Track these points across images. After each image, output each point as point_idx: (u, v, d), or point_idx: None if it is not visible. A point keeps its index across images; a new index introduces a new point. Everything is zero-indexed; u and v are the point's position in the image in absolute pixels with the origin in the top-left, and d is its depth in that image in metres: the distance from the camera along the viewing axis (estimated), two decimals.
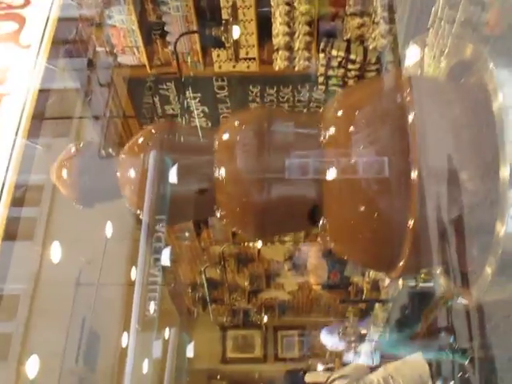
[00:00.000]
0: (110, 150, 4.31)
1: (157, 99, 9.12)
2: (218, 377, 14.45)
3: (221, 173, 2.26)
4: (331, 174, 2.07)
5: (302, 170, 2.08)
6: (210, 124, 9.47)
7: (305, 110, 9.26)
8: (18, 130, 2.91)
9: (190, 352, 11.47)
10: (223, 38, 6.04)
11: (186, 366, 11.81)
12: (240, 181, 2.27)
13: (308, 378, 8.01)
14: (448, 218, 2.01)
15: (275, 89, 8.95)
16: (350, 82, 7.78)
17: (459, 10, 3.81)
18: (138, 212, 2.36)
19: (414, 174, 1.91)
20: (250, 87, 8.91)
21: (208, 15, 7.69)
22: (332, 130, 2.16)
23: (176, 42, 6.69)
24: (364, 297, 9.28)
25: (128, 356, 7.37)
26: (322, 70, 7.73)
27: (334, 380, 6.31)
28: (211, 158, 2.29)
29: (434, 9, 4.48)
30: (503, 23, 3.62)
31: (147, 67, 8.39)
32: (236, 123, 2.44)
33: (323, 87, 7.98)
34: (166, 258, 7.35)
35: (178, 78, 8.38)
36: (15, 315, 6.52)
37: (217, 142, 2.36)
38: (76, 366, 8.74)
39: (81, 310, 8.49)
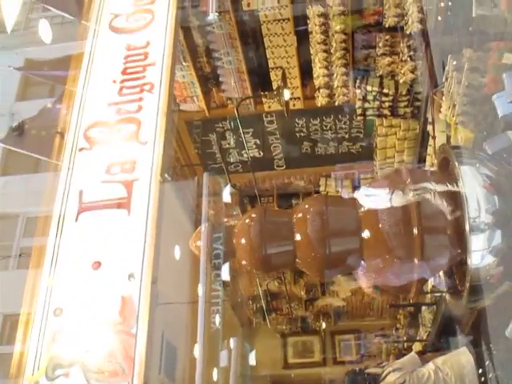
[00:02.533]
0: (166, 175, 5.44)
1: (214, 136, 10.29)
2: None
3: (298, 238, 3.56)
4: (366, 235, 3.35)
5: (347, 234, 3.39)
6: (262, 154, 10.57)
7: (346, 136, 10.25)
8: (148, 205, 4.14)
9: (252, 360, 12.20)
10: (276, 100, 7.17)
11: (250, 373, 12.56)
12: (310, 243, 3.61)
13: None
14: (440, 260, 3.25)
15: (318, 120, 10.01)
16: (385, 111, 8.74)
17: (463, 76, 4.86)
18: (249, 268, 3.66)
19: (416, 234, 3.14)
20: (296, 120, 9.99)
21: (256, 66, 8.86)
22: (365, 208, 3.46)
23: (238, 106, 7.86)
24: (411, 301, 10.04)
25: (197, 365, 8.35)
26: (359, 103, 8.71)
27: (389, 372, 7.06)
28: (292, 230, 3.57)
29: (446, 68, 5.53)
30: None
31: (206, 111, 9.62)
32: (306, 206, 3.75)
33: (361, 117, 8.97)
34: (225, 274, 8.30)
35: (232, 118, 9.52)
36: None
37: (295, 220, 3.71)
38: (159, 376, 9.73)
39: (160, 326, 9.51)
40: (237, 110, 8.14)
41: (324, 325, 14.47)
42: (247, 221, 3.81)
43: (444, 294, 4.46)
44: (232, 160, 10.79)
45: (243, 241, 3.69)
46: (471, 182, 3.17)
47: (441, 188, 3.58)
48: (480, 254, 3.08)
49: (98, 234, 4.20)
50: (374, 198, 7.70)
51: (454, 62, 5.20)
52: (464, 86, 4.91)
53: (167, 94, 4.73)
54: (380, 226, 3.35)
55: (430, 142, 6.91)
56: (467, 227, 3.11)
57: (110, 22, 5.45)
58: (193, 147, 10.63)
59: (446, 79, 5.55)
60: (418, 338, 10.19)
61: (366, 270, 3.49)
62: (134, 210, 4.20)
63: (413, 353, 8.96)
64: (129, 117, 4.68)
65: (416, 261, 3.20)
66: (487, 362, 6.67)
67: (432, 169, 4.73)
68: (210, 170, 10.31)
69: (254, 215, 3.83)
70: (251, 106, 9.53)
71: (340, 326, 14.98)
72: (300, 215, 3.65)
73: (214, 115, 9.79)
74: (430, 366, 6.84)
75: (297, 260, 3.65)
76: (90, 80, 5.09)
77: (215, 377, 10.27)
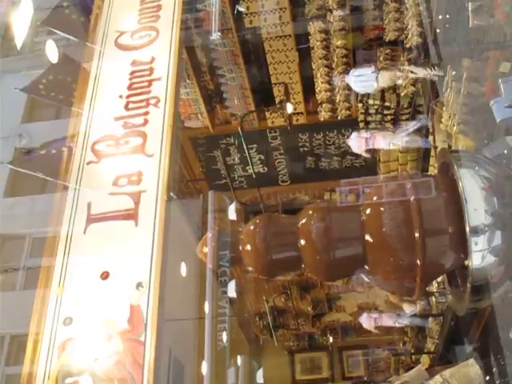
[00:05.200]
0: (172, 194, 5.52)
1: (218, 152, 10.37)
2: None
3: (303, 244, 3.69)
4: (369, 239, 3.42)
5: (351, 238, 3.47)
6: (266, 169, 10.64)
7: (350, 150, 10.28)
8: (155, 216, 4.23)
9: (260, 378, 12.15)
10: (279, 113, 7.29)
11: None
12: (315, 248, 3.69)
13: None
14: (442, 261, 3.33)
15: (322, 134, 10.08)
16: (387, 124, 8.80)
17: (462, 85, 4.96)
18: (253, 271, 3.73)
19: (417, 235, 3.21)
20: (300, 135, 10.07)
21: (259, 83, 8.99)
22: (369, 212, 3.56)
23: (242, 120, 7.96)
24: (418, 312, 10.04)
25: (204, 383, 8.33)
26: (361, 117, 8.78)
27: None
28: (297, 235, 3.67)
29: (445, 79, 5.62)
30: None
31: (210, 128, 9.73)
32: (310, 212, 3.85)
33: (364, 131, 9.02)
34: (232, 291, 8.32)
35: (236, 134, 9.62)
36: None
37: (299, 225, 3.81)
38: None
39: (167, 343, 9.49)
40: (241, 125, 8.24)
41: (331, 340, 14.40)
42: (252, 227, 3.88)
43: (448, 301, 4.52)
44: (236, 176, 10.87)
45: (249, 247, 3.76)
46: (470, 185, 3.24)
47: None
48: (480, 254, 3.15)
49: (106, 245, 4.28)
50: (362, 78, 7.86)
51: (453, 73, 5.30)
52: (463, 95, 5.00)
53: (173, 108, 4.85)
54: (383, 229, 3.43)
55: (432, 152, 6.98)
56: (467, 228, 3.18)
57: (115, 40, 5.59)
58: (198, 164, 10.70)
59: (447, 90, 5.64)
60: (425, 350, 10.15)
61: (370, 272, 3.55)
62: (141, 220, 4.29)
63: (420, 366, 8.95)
64: (135, 130, 4.79)
65: (419, 262, 3.26)
66: (495, 371, 6.67)
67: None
68: (215, 186, 10.40)
69: (259, 221, 3.90)
70: (255, 121, 9.64)
71: (347, 342, 14.91)
72: (304, 221, 3.74)
73: (218, 131, 9.90)
74: (438, 378, 6.85)
75: (302, 265, 3.73)
76: (97, 96, 5.21)
77: None
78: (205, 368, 8.36)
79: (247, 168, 10.43)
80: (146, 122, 4.80)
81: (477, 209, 3.16)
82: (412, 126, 8.12)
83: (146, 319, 3.83)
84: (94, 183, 4.62)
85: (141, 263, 4.08)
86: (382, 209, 3.50)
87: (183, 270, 8.87)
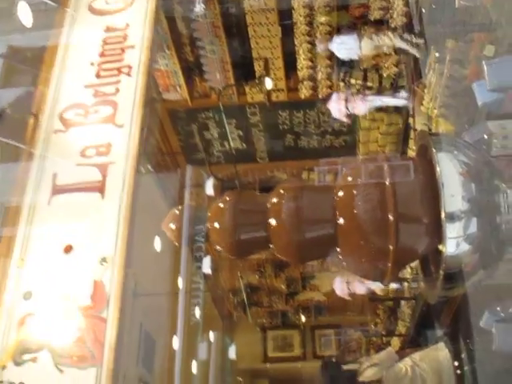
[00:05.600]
0: (149, 167, 5.27)
1: (196, 126, 10.20)
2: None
3: (272, 224, 3.53)
4: (341, 221, 3.31)
5: (323, 220, 3.34)
6: (244, 145, 10.51)
7: (330, 130, 10.22)
8: (122, 189, 4.06)
9: (232, 353, 12.16)
10: (258, 89, 7.12)
11: (230, 366, 12.51)
12: (284, 229, 3.52)
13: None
14: (415, 247, 3.22)
15: (302, 112, 9.95)
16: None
17: (445, 67, 4.84)
18: (220, 250, 3.60)
19: (391, 218, 3.11)
20: (280, 112, 9.92)
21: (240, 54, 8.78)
22: (342, 193, 3.49)
23: (220, 94, 7.77)
24: (391, 295, 10.06)
25: (176, 358, 8.26)
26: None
27: (366, 368, 7.05)
28: (267, 214, 3.54)
29: (428, 60, 5.50)
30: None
31: (188, 101, 9.53)
32: (281, 192, 3.73)
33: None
34: (207, 267, 8.24)
35: (215, 108, 9.46)
36: None
37: (269, 204, 3.64)
38: (137, 367, 9.62)
39: (138, 318, 9.38)
40: (219, 99, 8.06)
41: (304, 319, 14.45)
42: (221, 204, 3.71)
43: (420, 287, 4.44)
44: (214, 151, 10.73)
45: (216, 224, 3.60)
46: (448, 169, 3.12)
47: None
48: (455, 241, 3.05)
49: (71, 218, 4.12)
50: (345, 46, 7.80)
51: (437, 54, 5.18)
52: (446, 77, 4.89)
53: (146, 77, 4.66)
54: (355, 211, 3.29)
55: (412, 135, 6.89)
56: (443, 214, 3.08)
57: (89, 4, 5.36)
58: (175, 137, 10.52)
59: (429, 72, 5.52)
60: (396, 332, 10.20)
61: (341, 256, 3.43)
62: (108, 193, 4.13)
63: (390, 348, 8.98)
64: (106, 99, 4.59)
65: (391, 247, 3.16)
66: (464, 356, 6.71)
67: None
68: (192, 160, 10.25)
69: (228, 198, 3.72)
70: (234, 96, 9.44)
71: (320, 321, 14.97)
72: (275, 200, 3.57)
73: (197, 105, 9.69)
74: (407, 361, 6.88)
75: (270, 245, 3.58)
76: (68, 62, 4.99)
77: (194, 369, 10.26)
78: (176, 343, 8.32)
79: (225, 143, 10.30)
80: (117, 91, 4.60)
81: (454, 194, 3.04)
82: (391, 95, 8.05)
83: (108, 296, 3.70)
84: (60, 153, 4.44)
85: (106, 237, 3.93)
86: (355, 191, 3.35)
87: (157, 244, 8.78)
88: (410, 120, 6.81)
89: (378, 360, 7.24)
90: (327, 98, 8.92)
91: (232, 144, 10.27)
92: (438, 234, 3.11)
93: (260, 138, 10.49)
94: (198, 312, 9.16)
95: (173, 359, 8.54)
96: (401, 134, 8.79)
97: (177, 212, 3.75)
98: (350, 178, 3.41)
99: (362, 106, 8.22)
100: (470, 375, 6.47)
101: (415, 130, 6.32)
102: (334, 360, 9.04)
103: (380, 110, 8.66)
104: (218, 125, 10.02)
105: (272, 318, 14.87)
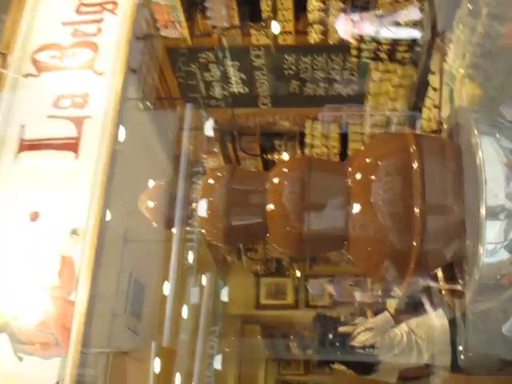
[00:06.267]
0: (149, 104, 4.74)
1: (196, 67, 9.56)
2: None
3: (271, 208, 2.92)
4: (355, 210, 2.72)
5: (332, 207, 2.75)
6: (246, 90, 9.91)
7: (338, 78, 9.59)
8: (99, 149, 3.48)
9: (224, 296, 11.97)
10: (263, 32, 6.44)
11: (221, 311, 12.35)
12: (285, 216, 2.92)
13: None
14: (443, 248, 2.66)
15: (310, 58, 9.27)
16: (382, 55, 8.05)
17: (480, 23, 4.19)
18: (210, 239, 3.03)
19: (417, 213, 2.53)
20: (286, 56, 9.25)
21: None
22: (357, 176, 2.81)
23: (223, 35, 7.11)
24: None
25: (167, 303, 7.98)
26: (354, 43, 7.99)
27: (360, 331, 6.75)
28: (265, 197, 2.93)
29: (458, 12, 4.83)
30: None
31: (188, 39, 8.81)
32: (284, 170, 3.10)
33: (356, 59, 8.27)
34: (202, 210, 7.89)
35: (217, 48, 8.79)
36: None
37: (269, 185, 3.00)
38: (124, 315, 9.38)
39: (128, 264, 9.08)
40: (219, 40, 7.39)
41: (298, 268, 14.24)
42: (211, 181, 3.11)
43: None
44: (215, 94, 10.15)
45: (204, 205, 3.03)
46: (491, 158, 2.49)
47: None
48: (493, 246, 2.49)
49: (39, 179, 3.56)
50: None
51: (470, 6, 4.50)
52: (479, 34, 4.24)
53: (132, 17, 3.99)
54: (372, 200, 2.68)
55: (430, 93, 6.26)
56: (483, 212, 2.47)
57: None
58: (173, 77, 9.88)
59: (458, 26, 4.86)
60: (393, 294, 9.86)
61: (350, 252, 2.89)
62: (82, 152, 3.56)
63: (386, 312, 8.65)
64: (86, 40, 3.95)
65: (414, 248, 2.60)
66: (461, 325, 6.42)
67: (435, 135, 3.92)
68: (190, 101, 9.72)
69: (219, 174, 3.12)
70: (238, 37, 8.71)
71: (315, 271, 14.71)
72: (276, 180, 2.94)
73: (197, 44, 8.97)
74: (403, 327, 6.51)
75: (267, 235, 2.99)
76: None
77: (185, 314, 10.12)
78: (168, 288, 8.09)
79: (226, 86, 9.70)
80: (99, 31, 3.95)
81: (496, 191, 2.45)
82: (403, 15, 7.36)
83: (77, 275, 3.19)
84: (30, 101, 3.83)
85: (77, 205, 3.39)
86: (373, 176, 2.75)
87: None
88: (430, 77, 6.17)
89: (373, 324, 6.95)
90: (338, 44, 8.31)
91: (234, 87, 9.68)
92: (473, 236, 2.54)
93: (263, 83, 9.87)
94: (191, 256, 8.84)
95: (164, 304, 8.30)
96: (414, 88, 8.18)
97: (156, 185, 3.17)
98: (367, 159, 2.81)
99: (370, 27, 7.54)
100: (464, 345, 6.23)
101: (435, 89, 5.69)
102: (327, 314, 8.66)
103: (394, 60, 8.03)
104: (220, 66, 9.37)
105: (266, 265, 14.64)
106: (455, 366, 5.55)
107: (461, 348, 5.96)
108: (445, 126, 3.35)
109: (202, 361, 10.22)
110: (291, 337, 13.29)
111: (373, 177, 2.77)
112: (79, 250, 3.26)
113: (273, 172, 3.12)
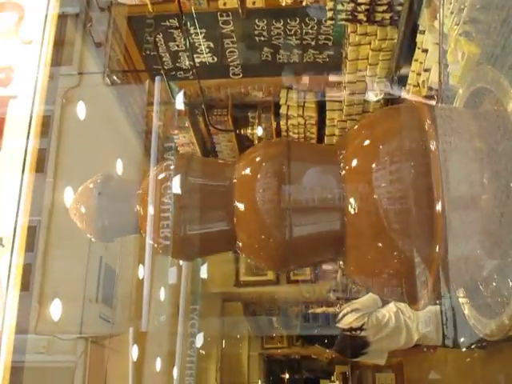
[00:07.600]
0: (115, 78, 4.12)
1: (160, 36, 8.94)
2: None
3: (240, 210, 2.22)
4: (351, 209, 2.04)
5: (323, 206, 2.06)
6: (216, 59, 9.32)
7: (313, 43, 9.04)
8: (28, 138, 2.81)
9: (203, 273, 11.67)
10: None
11: (201, 290, 12.08)
12: (260, 220, 2.24)
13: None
14: (472, 254, 2.02)
15: (282, 22, 8.70)
16: (360, 16, 7.48)
17: None
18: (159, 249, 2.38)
19: (438, 211, 1.88)
20: (256, 21, 8.65)
21: None
22: (353, 164, 2.11)
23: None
24: None
25: (144, 285, 7.56)
26: (330, 4, 7.41)
27: (347, 313, 6.42)
28: (231, 196, 2.26)
29: None
30: None
31: (149, 6, 8.12)
32: (256, 159, 2.36)
33: (332, 22, 7.71)
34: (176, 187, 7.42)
35: (181, 15, 8.17)
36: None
37: (236, 180, 2.32)
38: (96, 304, 8.94)
39: (98, 252, 8.62)
40: (183, 5, 6.75)
41: None
42: (161, 176, 2.45)
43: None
44: (182, 65, 9.56)
45: (151, 209, 2.35)
46: None
47: None
48: None
49: None
50: None
51: None
52: None
53: None
54: (375, 196, 2.04)
55: (417, 55, 5.69)
56: None
57: None
58: (136, 48, 9.24)
59: None
60: None
61: (346, 263, 2.22)
62: (7, 142, 2.90)
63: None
64: (9, 1, 3.24)
65: (432, 256, 1.97)
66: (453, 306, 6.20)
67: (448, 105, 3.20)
68: (157, 74, 9.13)
69: (172, 166, 2.43)
70: (203, 1, 8.06)
71: None
72: (246, 172, 2.27)
73: (159, 11, 8.31)
74: (391, 307, 6.19)
75: (237, 244, 2.36)
76: None
77: (163, 296, 9.89)
78: (143, 271, 7.75)
79: (194, 56, 9.08)
80: None
81: None
82: None
83: (6, 299, 2.55)
84: None
85: (3, 209, 2.74)
86: (375, 163, 2.08)
87: (119, 168, 8.09)
88: (419, 38, 5.58)
89: (360, 305, 6.78)
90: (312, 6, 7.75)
91: (202, 57, 9.10)
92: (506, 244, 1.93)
93: (233, 51, 9.30)
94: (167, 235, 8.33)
95: (140, 288, 7.93)
96: (395, 50, 7.64)
97: (91, 186, 2.48)
98: (366, 141, 2.13)
99: None
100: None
101: (425, 50, 5.10)
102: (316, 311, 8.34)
103: (374, 21, 7.46)
104: (185, 35, 8.73)
105: None
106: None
107: None
108: (460, 91, 2.72)
109: (183, 341, 9.92)
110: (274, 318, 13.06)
111: (374, 164, 2.10)
112: (4, 264, 2.61)
113: (241, 161, 2.43)
